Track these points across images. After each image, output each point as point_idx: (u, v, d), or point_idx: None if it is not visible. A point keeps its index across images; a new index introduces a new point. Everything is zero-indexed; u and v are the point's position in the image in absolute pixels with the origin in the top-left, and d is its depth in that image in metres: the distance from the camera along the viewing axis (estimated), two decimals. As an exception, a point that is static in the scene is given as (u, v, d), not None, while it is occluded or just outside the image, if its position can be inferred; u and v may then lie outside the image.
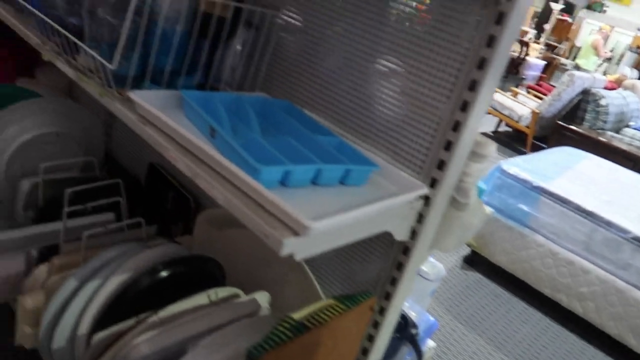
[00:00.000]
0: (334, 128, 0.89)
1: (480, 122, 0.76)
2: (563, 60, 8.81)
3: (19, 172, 1.10)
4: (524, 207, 2.26)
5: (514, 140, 5.18)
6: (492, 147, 0.81)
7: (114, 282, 0.78)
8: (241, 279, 1.03)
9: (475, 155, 0.80)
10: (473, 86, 0.71)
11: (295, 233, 0.55)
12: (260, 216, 0.56)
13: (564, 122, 4.29)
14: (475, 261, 2.49)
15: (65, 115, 1.13)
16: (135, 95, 0.69)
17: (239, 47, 0.84)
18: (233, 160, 0.61)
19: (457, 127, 0.73)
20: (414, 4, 0.76)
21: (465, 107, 0.72)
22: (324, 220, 0.54)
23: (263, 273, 1.02)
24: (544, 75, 7.51)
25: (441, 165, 0.76)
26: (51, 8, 0.82)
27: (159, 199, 1.23)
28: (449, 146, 0.75)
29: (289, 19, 0.91)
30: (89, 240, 0.89)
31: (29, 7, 0.84)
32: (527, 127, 4.57)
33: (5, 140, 1.05)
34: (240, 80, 0.89)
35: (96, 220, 1.07)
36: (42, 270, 0.89)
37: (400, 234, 0.78)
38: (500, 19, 0.66)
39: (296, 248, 0.56)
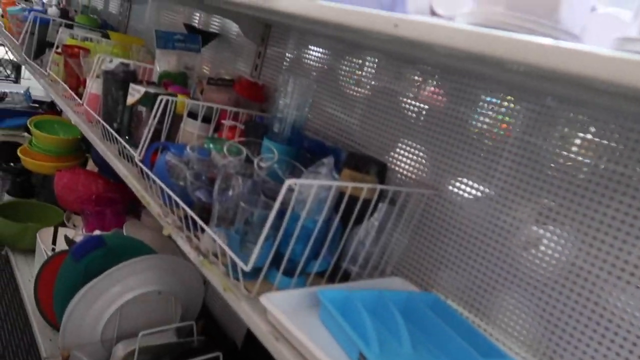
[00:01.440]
0: (490, 330, 0.71)
1: None
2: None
3: (114, 333, 1.01)
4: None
5: None
6: None
7: None
8: None
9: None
10: None
11: None
12: None
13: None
14: None
15: (169, 273, 1.05)
16: (268, 302, 0.57)
17: (377, 227, 0.72)
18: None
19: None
20: (600, 163, 0.61)
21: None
22: None
23: None
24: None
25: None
26: (177, 179, 0.77)
27: (256, 367, 1.08)
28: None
29: (435, 194, 0.79)
30: None
31: (154, 177, 0.79)
32: None
33: (107, 300, 0.98)
34: (374, 262, 0.76)
35: (190, 400, 0.93)
36: None
37: None
38: None
39: None
